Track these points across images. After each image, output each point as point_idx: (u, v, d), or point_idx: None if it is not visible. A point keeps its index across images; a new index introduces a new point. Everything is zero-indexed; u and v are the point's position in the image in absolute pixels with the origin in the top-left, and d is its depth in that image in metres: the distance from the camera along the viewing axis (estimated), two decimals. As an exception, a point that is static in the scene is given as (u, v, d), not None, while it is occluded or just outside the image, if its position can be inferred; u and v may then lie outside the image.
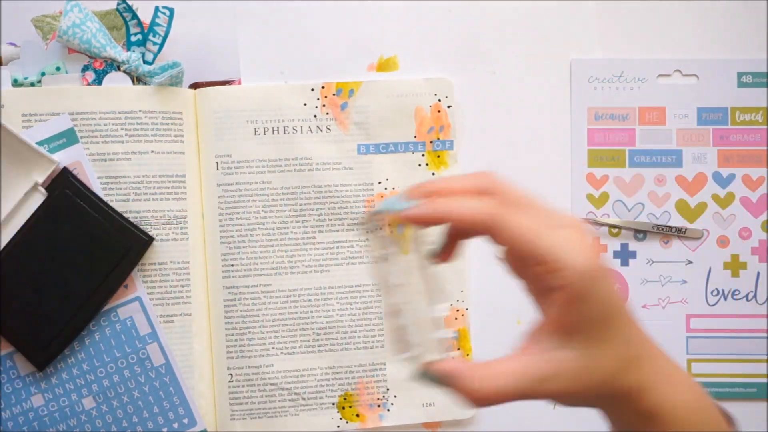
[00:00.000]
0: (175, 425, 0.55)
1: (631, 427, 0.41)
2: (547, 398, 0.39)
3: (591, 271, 0.37)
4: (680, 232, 0.58)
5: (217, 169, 0.57)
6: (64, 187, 0.54)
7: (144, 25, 0.56)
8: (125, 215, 0.55)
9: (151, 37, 0.56)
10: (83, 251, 0.54)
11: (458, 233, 0.42)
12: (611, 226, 0.59)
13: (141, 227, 0.55)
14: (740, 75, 0.59)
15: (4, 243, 0.53)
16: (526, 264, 0.39)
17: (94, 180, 0.55)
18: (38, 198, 0.54)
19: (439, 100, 0.58)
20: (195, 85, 0.58)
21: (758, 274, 0.59)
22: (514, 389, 0.39)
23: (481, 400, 0.39)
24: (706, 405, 0.40)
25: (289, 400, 0.57)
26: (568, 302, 0.38)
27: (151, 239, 0.55)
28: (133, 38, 0.56)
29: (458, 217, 0.39)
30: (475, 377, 0.39)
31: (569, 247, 0.37)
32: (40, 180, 0.54)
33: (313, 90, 0.58)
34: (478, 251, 0.58)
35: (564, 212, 0.40)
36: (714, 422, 0.40)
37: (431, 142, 0.58)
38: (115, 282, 0.54)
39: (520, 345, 0.41)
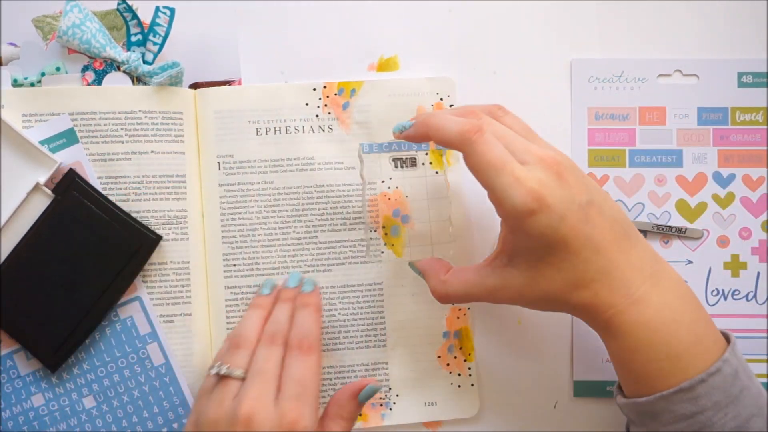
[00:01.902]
0: (175, 425, 0.54)
1: (597, 331, 0.48)
2: (501, 303, 0.48)
3: (523, 211, 0.43)
4: (680, 232, 0.57)
5: (219, 169, 0.56)
6: (71, 189, 0.53)
7: (144, 25, 0.55)
8: (126, 215, 0.54)
9: (151, 37, 0.55)
10: (92, 252, 0.53)
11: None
12: (612, 225, 0.58)
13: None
14: (740, 75, 0.58)
15: (12, 245, 0.52)
16: None
17: (94, 180, 0.54)
18: (43, 199, 0.53)
19: (441, 99, 0.57)
20: (195, 85, 0.57)
21: (758, 274, 0.58)
22: (468, 295, 0.48)
23: (443, 298, 0.49)
24: (681, 325, 0.45)
25: (290, 400, 0.56)
26: (507, 232, 0.47)
27: (159, 238, 0.54)
28: (133, 38, 0.55)
29: (440, 133, 0.46)
30: (441, 279, 0.49)
31: (513, 188, 0.43)
32: (42, 180, 0.53)
33: (314, 90, 0.57)
34: (480, 251, 0.58)
35: (546, 148, 0.47)
36: (685, 339, 0.45)
37: (433, 141, 0.57)
38: (125, 281, 0.53)
39: (485, 258, 0.49)
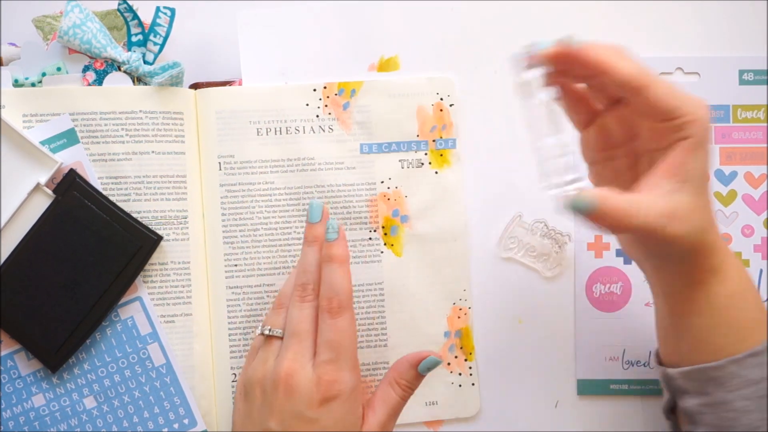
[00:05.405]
0: (176, 425, 0.52)
1: (702, 275, 0.45)
2: (660, 240, 0.42)
3: (708, 123, 0.42)
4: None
5: (220, 170, 0.54)
6: (72, 189, 0.51)
7: (145, 26, 0.53)
8: (126, 216, 0.53)
9: (151, 37, 0.53)
10: (93, 252, 0.51)
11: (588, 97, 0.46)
12: (613, 224, 0.56)
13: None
14: (742, 73, 0.56)
15: (13, 245, 0.51)
16: (652, 120, 0.43)
17: (94, 180, 0.52)
18: (44, 199, 0.52)
19: (441, 99, 0.55)
20: (195, 86, 0.55)
21: (760, 271, 0.56)
22: (645, 224, 0.41)
23: (618, 228, 0.42)
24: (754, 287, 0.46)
25: (291, 399, 0.54)
26: (692, 150, 0.42)
27: (159, 238, 0.52)
28: (134, 38, 0.53)
29: (617, 69, 0.42)
30: (616, 206, 0.41)
31: (696, 103, 0.42)
32: (43, 180, 0.51)
33: (315, 90, 0.55)
34: (480, 251, 0.56)
35: None
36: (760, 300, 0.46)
37: (434, 140, 0.55)
38: (126, 282, 0.52)
39: (637, 188, 0.43)
